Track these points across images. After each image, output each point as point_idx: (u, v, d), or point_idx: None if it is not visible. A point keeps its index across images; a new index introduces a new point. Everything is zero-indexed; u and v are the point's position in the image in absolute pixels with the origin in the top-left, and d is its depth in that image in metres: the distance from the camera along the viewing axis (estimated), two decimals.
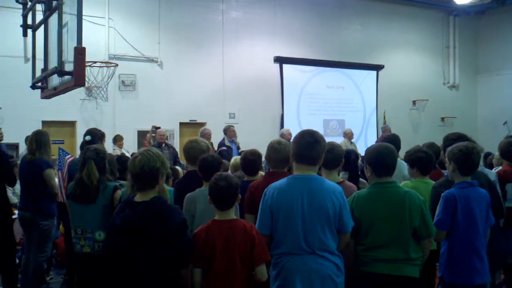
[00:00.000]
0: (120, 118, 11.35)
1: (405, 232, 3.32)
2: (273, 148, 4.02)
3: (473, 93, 17.24)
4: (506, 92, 16.09)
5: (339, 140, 11.88)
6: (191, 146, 4.57)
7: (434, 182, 4.22)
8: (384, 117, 14.90)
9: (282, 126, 13.08)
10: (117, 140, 10.03)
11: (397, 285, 3.32)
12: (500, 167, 5.60)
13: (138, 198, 3.03)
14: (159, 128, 10.12)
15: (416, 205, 3.34)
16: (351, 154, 4.78)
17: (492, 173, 5.22)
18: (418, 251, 3.39)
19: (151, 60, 11.92)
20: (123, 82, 11.52)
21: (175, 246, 2.95)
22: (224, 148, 9.55)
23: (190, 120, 12.31)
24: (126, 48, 11.56)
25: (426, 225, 3.35)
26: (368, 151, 3.59)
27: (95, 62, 10.14)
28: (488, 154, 6.88)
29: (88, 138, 5.58)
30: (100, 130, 5.86)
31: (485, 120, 16.55)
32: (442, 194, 3.67)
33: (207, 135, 9.73)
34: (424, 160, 4.26)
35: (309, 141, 3.25)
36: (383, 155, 3.46)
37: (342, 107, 14.64)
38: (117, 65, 10.64)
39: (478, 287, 3.70)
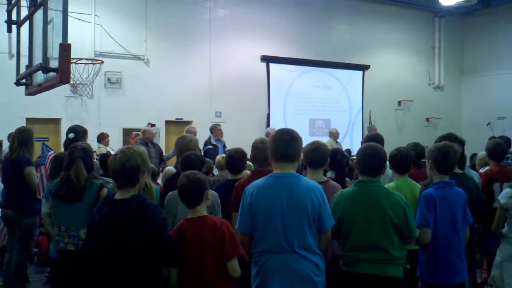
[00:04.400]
0: (106, 115, 11.28)
1: (386, 232, 3.34)
2: (257, 147, 4.05)
3: (457, 94, 17.40)
4: (490, 93, 16.27)
5: (324, 139, 11.94)
6: (188, 142, 4.56)
7: (413, 181, 4.26)
8: (370, 117, 14.98)
9: (268, 125, 13.12)
10: (103, 138, 9.98)
11: (381, 285, 3.34)
12: (487, 167, 5.68)
13: (118, 195, 3.02)
14: (154, 125, 10.11)
15: (398, 206, 3.37)
16: (338, 154, 4.81)
17: (476, 175, 5.29)
18: (402, 251, 3.42)
19: (137, 58, 11.86)
20: (109, 79, 11.44)
21: (155, 244, 2.94)
22: (210, 146, 9.55)
23: (176, 119, 12.27)
24: (112, 45, 11.49)
25: (408, 226, 3.38)
26: (358, 150, 3.62)
27: (80, 59, 10.05)
28: (473, 155, 6.96)
29: (71, 135, 5.54)
30: (82, 127, 5.81)
31: (469, 120, 16.72)
32: (421, 194, 3.71)
33: (192, 134, 9.72)
34: (397, 160, 4.26)
35: (286, 138, 3.28)
36: (368, 155, 3.49)
37: (328, 106, 14.70)
38: (102, 62, 10.57)
39: (457, 286, 3.74)
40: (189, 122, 11.63)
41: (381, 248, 3.34)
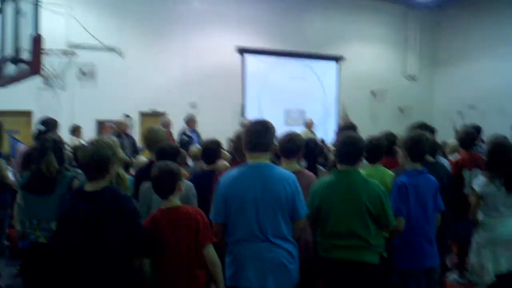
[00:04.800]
0: (79, 107, 11.13)
1: (363, 220, 3.40)
2: (240, 138, 4.07)
3: (430, 84, 17.63)
4: (461, 83, 16.53)
5: (300, 129, 12.01)
6: (155, 132, 4.54)
7: (385, 168, 4.33)
8: (344, 107, 15.09)
9: (243, 116, 13.12)
10: (76, 130, 9.86)
11: (357, 271, 3.41)
12: (457, 155, 5.80)
13: (88, 187, 3.01)
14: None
15: (375, 194, 3.43)
16: (310, 143, 4.85)
17: (447, 163, 5.40)
18: (379, 239, 3.48)
19: (111, 49, 11.73)
20: (82, 71, 11.31)
21: (127, 235, 2.94)
22: (185, 137, 9.53)
23: (151, 110, 12.20)
24: (86, 37, 11.32)
25: (385, 214, 3.44)
26: (336, 140, 3.70)
27: (52, 50, 9.92)
28: (443, 143, 7.07)
29: (42, 127, 5.47)
30: (53, 119, 5.74)
31: (441, 110, 16.96)
32: (394, 182, 3.78)
33: (167, 124, 9.71)
34: (369, 149, 4.26)
35: (259, 129, 3.31)
36: (346, 144, 3.55)
37: (303, 97, 14.75)
38: (75, 53, 10.44)
39: (427, 271, 3.83)
40: (163, 113, 11.58)
41: (357, 235, 3.40)
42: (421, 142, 3.86)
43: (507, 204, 4.19)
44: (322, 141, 11.82)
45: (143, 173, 4.27)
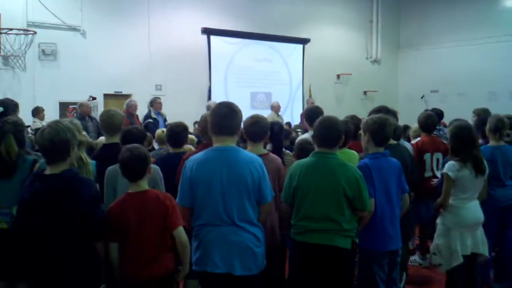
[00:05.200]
0: (40, 89, 10.84)
1: (339, 203, 3.43)
2: (206, 120, 4.02)
3: (394, 68, 17.88)
4: (425, 67, 16.82)
5: (266, 113, 12.02)
6: (110, 116, 4.45)
7: (353, 151, 4.37)
8: (310, 91, 15.17)
9: (209, 98, 13.02)
10: (38, 112, 9.65)
11: (329, 255, 3.44)
12: (418, 138, 5.90)
13: (48, 171, 2.95)
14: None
15: (352, 177, 3.46)
16: (275, 126, 4.84)
17: (410, 146, 5.49)
18: (353, 223, 3.51)
19: (73, 29, 11.42)
20: (43, 51, 10.99)
21: (88, 219, 2.91)
22: (151, 120, 9.43)
23: (115, 92, 11.98)
24: (46, 15, 10.99)
25: (361, 198, 3.47)
26: (315, 122, 3.68)
27: (11, 29, 9.62)
28: (407, 127, 7.20)
29: (0, 109, 5.31)
30: (13, 100, 5.57)
31: (405, 94, 17.25)
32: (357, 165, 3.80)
33: (133, 107, 9.59)
34: None
35: (225, 111, 3.28)
36: (325, 127, 3.55)
37: (269, 80, 14.76)
38: (35, 32, 10.15)
39: (390, 253, 3.90)
40: (128, 96, 11.41)
41: (332, 219, 3.42)
42: (384, 127, 3.90)
43: (473, 188, 4.27)
44: (289, 124, 11.90)
45: (103, 157, 4.19)
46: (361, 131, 4.14)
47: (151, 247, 3.13)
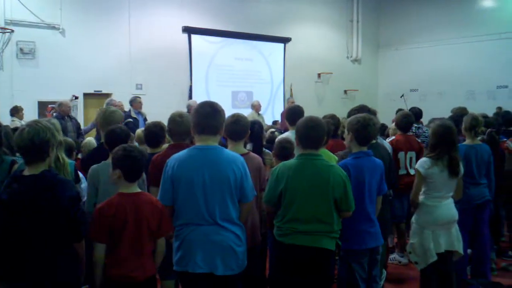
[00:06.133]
0: (19, 88, 10.68)
1: (328, 205, 3.45)
2: (175, 121, 4.02)
3: (374, 67, 18.02)
4: (404, 66, 16.99)
5: (247, 112, 12.02)
6: (109, 114, 4.44)
7: (329, 152, 4.40)
8: (291, 90, 15.22)
9: (190, 97, 12.99)
10: (16, 111, 9.53)
11: (314, 257, 3.46)
12: (394, 137, 5.97)
13: (27, 171, 2.91)
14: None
15: (339, 179, 3.48)
16: (255, 125, 4.85)
17: (388, 145, 5.55)
18: (338, 225, 3.54)
19: (52, 27, 11.28)
20: (21, 49, 10.84)
21: (68, 220, 2.89)
22: (131, 120, 9.35)
23: (95, 91, 11.86)
24: (25, 13, 10.84)
25: (347, 199, 3.50)
26: (298, 123, 3.68)
27: None
28: (386, 127, 7.28)
29: None
30: None
31: (385, 93, 17.41)
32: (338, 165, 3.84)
33: (118, 107, 9.49)
34: None
35: (208, 111, 3.29)
36: (310, 128, 3.55)
37: (250, 79, 14.77)
38: (13, 31, 10.02)
39: (371, 250, 3.94)
40: (108, 95, 11.32)
41: (321, 220, 3.44)
42: (369, 127, 3.93)
43: (447, 187, 4.32)
44: (274, 123, 11.93)
45: (93, 157, 4.18)
46: (345, 130, 4.15)
47: (140, 250, 3.14)
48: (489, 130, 5.54)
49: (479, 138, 5.23)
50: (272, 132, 7.18)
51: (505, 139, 6.06)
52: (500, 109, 14.16)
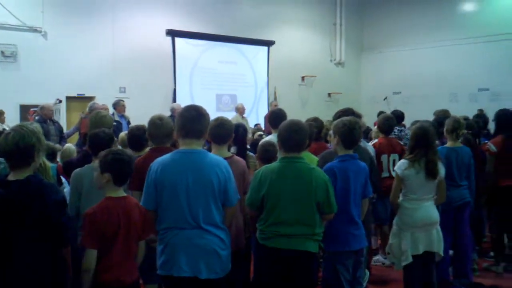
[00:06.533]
0: (0, 91, 10.57)
1: (310, 208, 3.47)
2: (154, 124, 4.02)
3: (357, 70, 18.12)
4: (387, 69, 17.12)
5: (231, 115, 12.04)
6: (100, 117, 4.42)
7: (311, 154, 4.43)
8: (275, 93, 15.26)
9: (174, 100, 12.94)
10: None
11: (297, 260, 3.47)
12: (376, 140, 6.02)
13: (11, 176, 2.87)
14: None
15: (321, 182, 3.50)
16: (240, 128, 4.86)
17: (371, 148, 5.59)
18: (321, 227, 3.55)
19: (34, 30, 11.18)
20: (2, 52, 10.74)
21: (54, 225, 2.86)
22: (114, 123, 9.28)
23: (78, 94, 11.78)
24: (6, 16, 10.74)
25: (329, 202, 3.52)
26: (280, 126, 3.68)
27: None
28: (369, 129, 7.34)
29: None
30: None
31: (368, 95, 17.51)
32: (322, 167, 3.85)
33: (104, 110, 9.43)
34: None
35: (193, 114, 3.29)
36: (292, 131, 3.56)
37: (234, 82, 14.78)
38: None
39: (355, 252, 3.96)
40: (91, 98, 11.20)
41: (304, 223, 3.46)
42: (355, 130, 3.95)
43: (424, 188, 4.36)
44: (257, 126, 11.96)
45: (74, 163, 4.15)
46: (328, 132, 4.17)
47: (130, 253, 3.15)
48: (465, 132, 5.61)
49: (460, 140, 5.30)
50: (260, 135, 7.20)
51: (486, 141, 6.13)
52: (481, 111, 14.38)
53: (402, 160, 4.46)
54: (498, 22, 14.49)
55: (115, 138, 5.49)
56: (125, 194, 3.24)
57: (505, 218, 5.86)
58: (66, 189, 4.20)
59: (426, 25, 16.09)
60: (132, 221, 3.13)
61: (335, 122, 4.10)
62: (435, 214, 4.41)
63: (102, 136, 4.04)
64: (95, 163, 3.50)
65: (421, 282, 4.46)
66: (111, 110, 9.79)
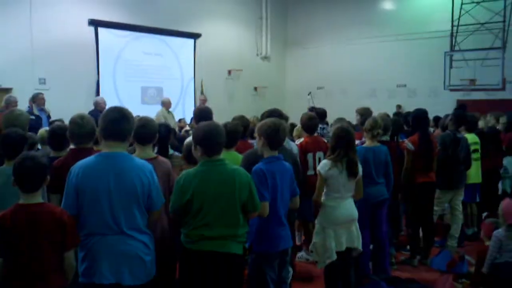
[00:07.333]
0: None
1: (234, 209, 3.47)
2: (76, 123, 3.88)
3: (282, 65, 18.39)
4: (311, 64, 17.49)
5: (157, 108, 11.88)
6: (15, 117, 4.21)
7: (237, 153, 4.47)
8: (202, 86, 15.19)
9: (98, 93, 12.58)
10: None
11: (222, 262, 3.46)
12: (302, 139, 6.13)
13: None
14: None
15: (245, 181, 3.51)
16: (162, 128, 4.78)
17: (295, 147, 5.69)
18: (245, 228, 3.57)
19: None
20: None
21: None
22: (33, 117, 8.88)
23: None
24: None
25: (253, 200, 3.54)
26: (197, 131, 3.63)
27: None
28: (295, 125, 7.44)
29: None
30: None
31: (293, 90, 17.83)
32: (252, 170, 3.88)
33: (13, 104, 8.99)
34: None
35: (116, 116, 3.22)
36: (211, 135, 3.51)
37: (160, 74, 14.56)
38: None
39: (281, 252, 4.04)
40: (8, 90, 10.69)
41: (227, 225, 3.46)
42: (279, 132, 4.00)
43: (346, 187, 4.55)
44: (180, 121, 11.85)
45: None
46: (256, 135, 4.20)
47: (42, 265, 2.98)
48: (381, 132, 5.80)
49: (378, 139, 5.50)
50: (186, 131, 7.13)
51: (405, 139, 6.40)
52: (399, 107, 15.05)
53: (325, 161, 4.60)
54: (416, 20, 15.17)
55: (31, 134, 5.26)
56: (39, 201, 3.07)
57: (421, 213, 6.17)
58: None
59: (348, 22, 16.58)
60: (42, 231, 2.97)
61: (260, 124, 4.15)
62: (355, 211, 4.62)
63: (14, 136, 3.86)
64: (9, 164, 3.34)
65: (340, 277, 4.66)
66: (27, 104, 9.33)
